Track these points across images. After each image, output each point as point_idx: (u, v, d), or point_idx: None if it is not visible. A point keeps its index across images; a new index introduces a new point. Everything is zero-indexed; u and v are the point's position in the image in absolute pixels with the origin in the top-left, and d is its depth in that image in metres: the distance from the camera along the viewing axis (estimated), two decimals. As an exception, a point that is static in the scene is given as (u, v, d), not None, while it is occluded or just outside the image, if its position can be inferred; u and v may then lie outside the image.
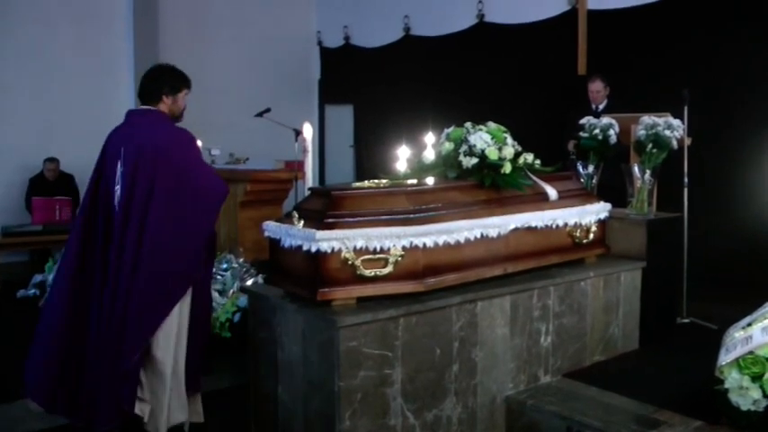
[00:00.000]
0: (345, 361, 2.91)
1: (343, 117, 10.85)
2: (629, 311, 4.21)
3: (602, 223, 4.09)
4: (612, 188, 4.60)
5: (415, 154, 3.82)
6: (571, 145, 5.94)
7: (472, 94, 8.50)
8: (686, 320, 4.96)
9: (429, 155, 3.81)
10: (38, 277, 6.79)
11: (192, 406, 3.68)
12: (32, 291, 6.71)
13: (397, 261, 3.07)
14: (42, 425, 3.97)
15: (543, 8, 7.82)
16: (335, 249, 2.97)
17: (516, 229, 3.58)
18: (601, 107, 6.35)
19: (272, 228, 3.26)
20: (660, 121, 4.45)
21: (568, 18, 7.59)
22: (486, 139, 3.62)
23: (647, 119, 4.49)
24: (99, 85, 9.22)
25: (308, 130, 3.52)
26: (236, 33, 10.24)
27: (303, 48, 11.11)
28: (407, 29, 9.62)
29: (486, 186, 3.60)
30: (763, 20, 6.11)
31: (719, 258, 6.05)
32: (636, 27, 7.00)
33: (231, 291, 5.22)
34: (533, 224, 3.67)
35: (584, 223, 3.95)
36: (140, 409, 3.40)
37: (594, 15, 7.38)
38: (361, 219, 3.06)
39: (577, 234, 3.93)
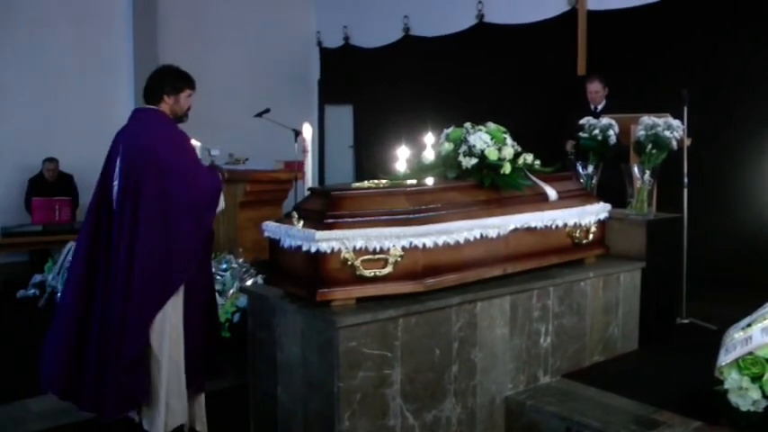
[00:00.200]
0: (345, 361, 2.91)
1: (342, 117, 10.85)
2: (628, 312, 4.21)
3: (601, 224, 4.09)
4: (612, 188, 4.60)
5: (414, 154, 3.82)
6: (569, 145, 5.94)
7: (472, 95, 8.50)
8: (686, 321, 4.96)
9: (428, 155, 3.81)
10: (37, 277, 6.79)
11: (197, 412, 3.70)
12: (32, 291, 6.72)
13: (396, 261, 3.07)
14: (42, 425, 3.98)
15: (543, 8, 7.82)
16: (335, 250, 2.97)
17: (516, 230, 3.58)
18: (599, 108, 6.35)
19: (271, 228, 3.26)
20: (660, 121, 4.45)
21: (568, 18, 7.60)
22: (485, 139, 3.62)
23: (647, 119, 4.49)
24: (99, 85, 9.23)
25: (308, 131, 3.52)
26: (236, 34, 10.24)
27: (303, 48, 11.11)
28: (407, 29, 9.62)
29: (486, 187, 3.60)
30: (763, 20, 6.11)
31: (719, 258, 6.05)
32: (635, 27, 7.00)
33: (231, 291, 5.23)
34: (533, 224, 3.67)
35: (583, 224, 3.95)
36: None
37: (594, 16, 7.39)
38: (360, 219, 3.06)
39: (577, 234, 3.93)
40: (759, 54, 6.10)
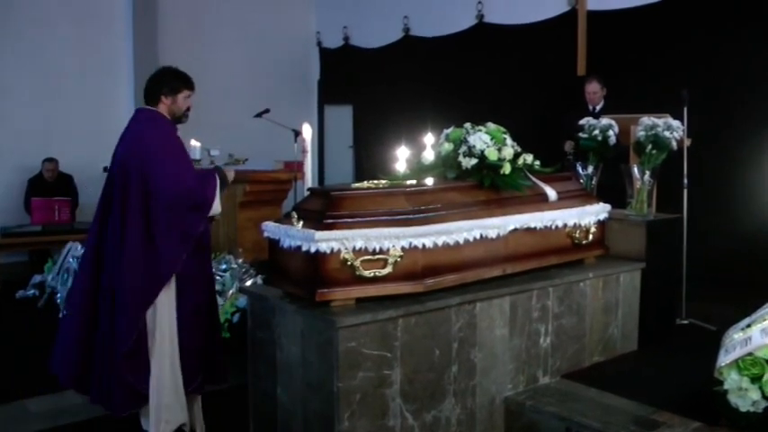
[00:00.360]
0: (344, 361, 2.91)
1: (342, 117, 10.85)
2: (628, 312, 4.21)
3: (601, 224, 4.09)
4: (612, 189, 4.60)
5: (414, 154, 3.81)
6: (568, 146, 5.94)
7: (472, 95, 8.50)
8: (685, 321, 4.96)
9: (428, 155, 3.81)
10: (37, 278, 6.79)
11: (196, 413, 3.72)
12: (31, 291, 6.72)
13: (396, 262, 3.06)
14: (42, 425, 3.98)
15: (543, 9, 7.82)
16: (335, 250, 2.97)
17: (515, 230, 3.58)
18: (597, 108, 6.34)
19: (271, 228, 3.26)
20: (659, 122, 4.45)
21: (568, 19, 7.60)
22: (485, 139, 3.62)
23: (647, 120, 4.49)
24: (98, 86, 9.23)
25: (308, 131, 3.52)
26: (236, 34, 10.24)
27: (302, 48, 11.11)
28: (407, 29, 9.62)
29: (486, 187, 3.60)
30: (763, 20, 6.11)
31: (719, 259, 6.05)
32: (635, 27, 7.00)
33: (230, 291, 5.23)
34: (533, 225, 3.67)
35: (583, 224, 3.95)
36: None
37: (594, 16, 7.39)
38: (360, 219, 3.06)
39: (577, 235, 3.93)
40: (760, 54, 6.10)
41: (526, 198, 3.73)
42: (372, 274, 3.03)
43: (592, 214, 4.00)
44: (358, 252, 3.00)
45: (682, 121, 4.67)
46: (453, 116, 4.67)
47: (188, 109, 3.69)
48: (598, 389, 3.59)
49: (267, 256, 3.41)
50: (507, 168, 3.62)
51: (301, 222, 3.06)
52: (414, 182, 3.46)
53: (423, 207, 3.24)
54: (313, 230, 2.96)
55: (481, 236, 3.39)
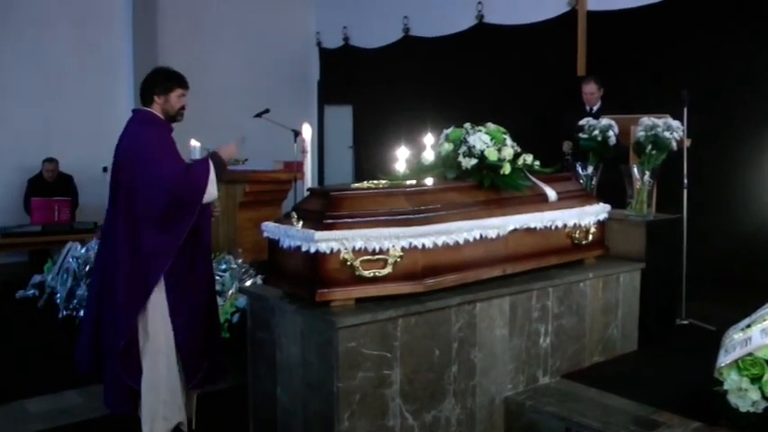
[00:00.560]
0: (344, 362, 2.91)
1: (342, 118, 10.85)
2: (628, 312, 4.21)
3: (601, 224, 4.09)
4: (612, 189, 4.60)
5: (414, 155, 3.81)
6: (566, 146, 5.94)
7: (471, 95, 8.50)
8: (685, 322, 4.96)
9: (428, 155, 3.81)
10: (37, 278, 6.79)
11: (189, 406, 3.72)
12: (31, 291, 6.72)
13: (396, 262, 3.06)
14: (42, 425, 3.98)
15: (543, 9, 7.82)
16: (334, 250, 2.97)
17: (515, 230, 3.58)
18: (594, 108, 6.34)
19: (270, 228, 3.26)
20: (659, 122, 4.45)
21: (568, 19, 7.60)
22: (485, 139, 3.62)
23: (647, 120, 4.49)
24: (98, 86, 9.23)
25: (307, 131, 3.52)
26: (236, 34, 10.24)
27: (302, 48, 11.11)
28: (407, 29, 9.62)
29: (486, 187, 3.59)
30: (764, 20, 6.10)
31: (719, 259, 6.05)
32: (636, 28, 7.00)
33: (230, 291, 5.23)
34: (532, 225, 3.67)
35: (583, 224, 3.95)
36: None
37: (594, 16, 7.39)
38: (360, 219, 3.06)
39: (577, 235, 3.93)
40: (761, 54, 6.10)
41: (526, 198, 3.72)
42: (372, 275, 3.03)
43: (592, 214, 4.00)
44: (358, 252, 3.00)
45: (682, 121, 4.67)
46: (453, 116, 4.67)
47: (182, 107, 3.70)
48: (598, 389, 3.59)
49: (267, 256, 3.40)
50: (507, 168, 3.62)
51: (301, 222, 3.06)
52: (414, 182, 3.46)
53: (423, 207, 3.24)
54: (313, 231, 2.96)
55: (481, 236, 3.39)
